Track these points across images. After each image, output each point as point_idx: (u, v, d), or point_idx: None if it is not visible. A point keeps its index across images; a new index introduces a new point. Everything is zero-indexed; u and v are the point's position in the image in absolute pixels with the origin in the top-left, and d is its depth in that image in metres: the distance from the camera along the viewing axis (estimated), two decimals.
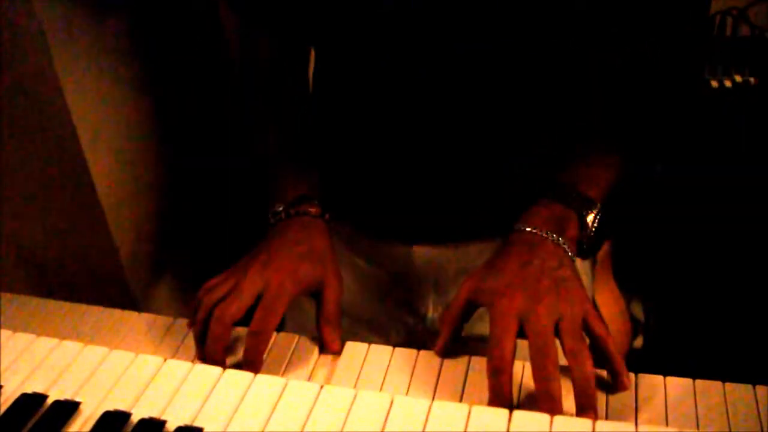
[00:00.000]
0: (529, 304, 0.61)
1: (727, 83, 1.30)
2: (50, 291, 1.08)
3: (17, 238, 1.06)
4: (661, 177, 1.36)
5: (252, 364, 0.66)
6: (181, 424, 0.56)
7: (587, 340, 0.62)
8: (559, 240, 0.67)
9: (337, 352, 0.70)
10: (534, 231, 0.68)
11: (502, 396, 0.58)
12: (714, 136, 1.31)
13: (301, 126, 0.89)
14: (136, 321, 0.79)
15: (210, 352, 0.67)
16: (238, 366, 0.67)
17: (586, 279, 0.98)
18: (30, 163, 0.97)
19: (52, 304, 0.82)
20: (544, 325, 0.60)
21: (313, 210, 0.78)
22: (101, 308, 0.81)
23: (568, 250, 0.67)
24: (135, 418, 0.57)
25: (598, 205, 0.70)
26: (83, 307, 0.81)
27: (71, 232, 1.03)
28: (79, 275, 1.07)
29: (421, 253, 0.87)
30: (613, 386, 0.62)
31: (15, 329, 0.68)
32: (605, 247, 1.41)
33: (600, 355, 0.63)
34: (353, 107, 0.86)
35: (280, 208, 0.78)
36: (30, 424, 0.57)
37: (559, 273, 0.64)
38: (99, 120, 0.96)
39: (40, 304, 0.82)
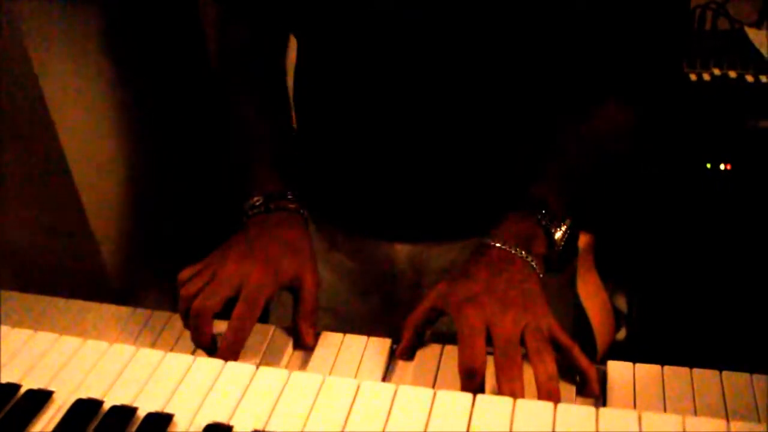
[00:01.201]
0: (496, 311, 0.62)
1: (706, 77, 1.31)
2: (32, 286, 1.08)
3: (2, 235, 1.06)
4: (643, 170, 1.37)
5: (228, 357, 0.65)
6: (152, 410, 0.57)
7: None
8: (527, 257, 0.68)
9: (312, 347, 0.71)
10: (503, 247, 0.68)
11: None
12: (692, 129, 1.32)
13: (279, 117, 0.88)
14: (114, 313, 0.79)
15: (198, 345, 0.68)
16: None
17: (568, 274, 0.99)
18: (13, 164, 0.98)
19: (31, 298, 0.82)
20: (509, 332, 0.61)
21: (292, 206, 0.78)
22: (80, 301, 0.81)
23: (535, 267, 0.68)
24: (107, 406, 0.58)
25: (568, 221, 0.71)
26: (62, 300, 0.82)
27: (53, 229, 1.03)
28: (61, 272, 1.07)
29: (404, 251, 0.88)
30: (584, 392, 0.64)
31: None
32: (588, 240, 1.42)
33: (570, 365, 0.64)
34: (334, 104, 0.86)
35: (259, 202, 0.77)
36: (2, 413, 0.58)
37: (525, 286, 0.65)
38: (79, 120, 0.96)
39: (18, 298, 0.82)
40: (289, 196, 0.79)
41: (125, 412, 0.56)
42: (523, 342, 0.62)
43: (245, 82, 0.88)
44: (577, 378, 0.64)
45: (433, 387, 0.64)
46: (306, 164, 0.93)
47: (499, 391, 0.58)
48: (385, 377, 0.68)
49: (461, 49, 0.75)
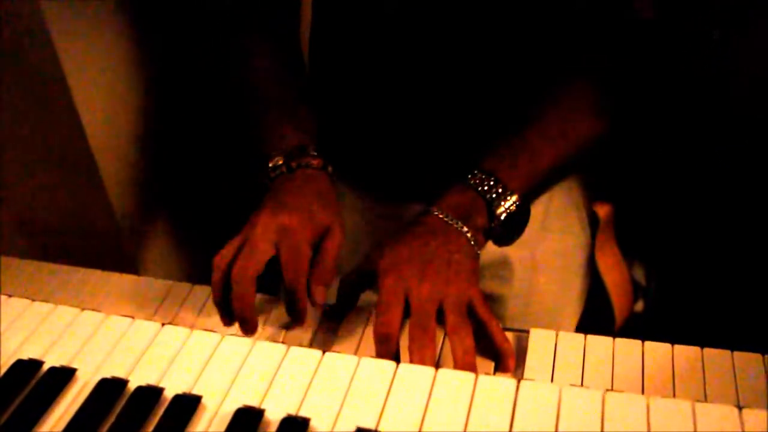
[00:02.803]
0: (414, 281, 0.63)
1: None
2: (48, 255, 1.07)
3: (19, 208, 1.04)
4: (666, 139, 1.34)
5: (298, 318, 0.65)
6: (180, 391, 0.55)
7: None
8: (463, 229, 0.67)
9: (320, 305, 0.67)
10: (440, 216, 0.68)
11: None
12: (717, 92, 1.28)
13: (295, 73, 0.86)
14: (134, 284, 0.78)
15: (239, 314, 0.64)
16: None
17: (584, 237, 0.98)
18: (32, 135, 0.96)
19: (50, 268, 0.81)
20: (425, 302, 0.61)
21: (315, 162, 0.75)
22: (99, 271, 0.80)
23: (471, 239, 0.67)
24: (132, 386, 0.56)
25: (516, 196, 0.70)
26: (80, 270, 0.80)
27: (68, 194, 1.01)
28: (77, 238, 1.06)
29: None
30: (500, 368, 0.64)
31: (13, 293, 0.67)
32: (608, 210, 1.39)
33: (486, 339, 0.64)
34: (348, 62, 0.85)
35: (280, 162, 0.74)
36: (26, 391, 0.56)
37: (453, 257, 0.65)
38: (97, 86, 0.94)
39: (37, 268, 0.81)
40: (313, 152, 0.75)
41: (152, 393, 0.54)
42: (443, 314, 0.62)
43: (259, 39, 0.85)
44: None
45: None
46: (323, 125, 0.90)
47: (410, 359, 0.59)
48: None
49: (463, 7, 0.74)
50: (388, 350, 0.61)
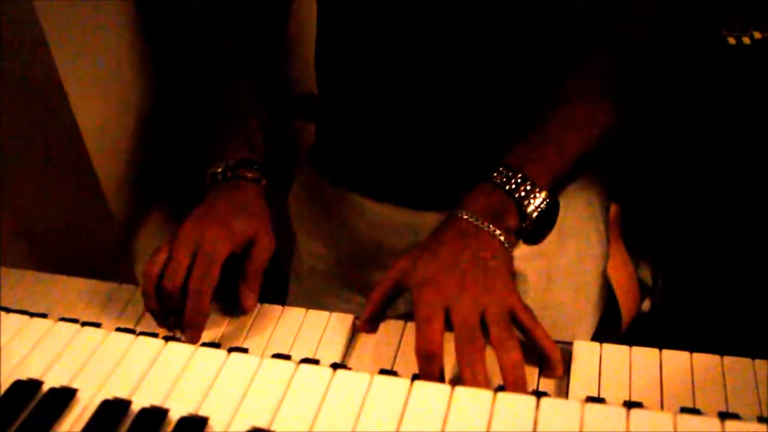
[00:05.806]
0: (454, 293, 0.60)
1: (746, 40, 1.25)
2: (45, 260, 1.05)
3: (17, 213, 1.03)
4: (675, 138, 1.32)
5: (193, 325, 0.66)
6: (185, 413, 0.53)
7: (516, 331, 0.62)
8: (495, 232, 0.65)
9: (250, 311, 0.70)
10: (470, 219, 0.66)
11: (433, 380, 0.58)
12: (731, 97, 1.27)
13: (259, 83, 0.88)
14: (132, 295, 0.76)
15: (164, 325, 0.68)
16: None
17: (601, 247, 0.96)
18: (29, 143, 0.95)
19: (47, 278, 0.79)
20: (468, 315, 0.59)
21: (250, 174, 0.77)
22: (96, 281, 0.78)
23: (504, 241, 0.65)
24: (136, 407, 0.54)
25: (545, 192, 0.67)
26: (78, 280, 0.79)
27: (64, 197, 1.00)
28: (74, 242, 1.04)
29: (432, 220, 0.85)
30: (547, 373, 0.62)
31: (9, 305, 0.65)
32: (614, 211, 1.38)
33: (533, 346, 0.62)
34: (352, 67, 0.84)
35: (219, 170, 0.77)
36: (25, 414, 0.54)
37: (489, 264, 0.63)
38: (93, 92, 0.93)
39: (36, 278, 0.79)
40: (250, 166, 0.78)
41: (156, 415, 0.52)
42: (485, 324, 0.60)
43: (229, 45, 0.89)
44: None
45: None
46: (329, 130, 0.92)
47: (460, 376, 0.57)
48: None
49: (466, 20, 0.74)
50: (433, 369, 0.58)
